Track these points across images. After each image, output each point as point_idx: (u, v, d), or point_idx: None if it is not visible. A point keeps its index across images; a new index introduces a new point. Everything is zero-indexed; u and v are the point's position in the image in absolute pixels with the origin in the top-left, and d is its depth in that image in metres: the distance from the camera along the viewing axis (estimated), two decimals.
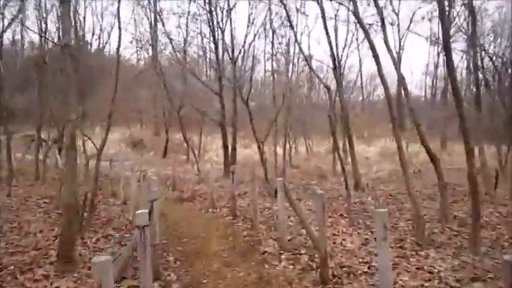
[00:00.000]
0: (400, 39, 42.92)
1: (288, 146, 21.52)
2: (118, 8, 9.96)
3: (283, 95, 14.19)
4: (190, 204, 12.23)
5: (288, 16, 11.30)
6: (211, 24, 16.97)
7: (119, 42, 10.11)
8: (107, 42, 51.69)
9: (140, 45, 27.84)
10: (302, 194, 13.22)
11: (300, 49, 10.30)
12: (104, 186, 14.62)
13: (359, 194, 13.22)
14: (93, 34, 51.96)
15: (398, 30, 42.45)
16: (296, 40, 12.42)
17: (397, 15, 38.69)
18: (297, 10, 16.06)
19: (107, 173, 17.48)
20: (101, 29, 51.57)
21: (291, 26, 11.16)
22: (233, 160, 17.66)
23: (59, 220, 9.23)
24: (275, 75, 19.35)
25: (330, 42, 12.48)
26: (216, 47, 16.48)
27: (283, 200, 7.33)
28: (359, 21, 9.19)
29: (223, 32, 17.08)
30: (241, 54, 16.21)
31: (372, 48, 8.15)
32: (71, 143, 6.72)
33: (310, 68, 9.89)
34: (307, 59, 10.41)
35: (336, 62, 19.08)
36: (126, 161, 23.02)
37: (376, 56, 8.06)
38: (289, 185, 14.85)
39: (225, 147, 17.05)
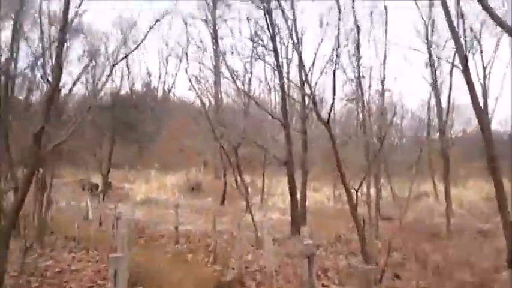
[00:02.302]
0: (484, 68, 36.12)
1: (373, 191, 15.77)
2: None
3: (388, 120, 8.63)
4: None
5: None
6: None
7: None
8: (172, 86, 49.28)
9: (200, 82, 23.70)
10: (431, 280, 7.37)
11: None
12: None
13: None
14: (159, 78, 49.87)
15: (482, 57, 35.73)
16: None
17: (479, 42, 32.28)
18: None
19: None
20: (166, 72, 49.41)
21: None
22: (303, 212, 12.12)
23: None
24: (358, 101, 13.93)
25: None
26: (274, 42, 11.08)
27: None
28: None
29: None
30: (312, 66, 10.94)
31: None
32: None
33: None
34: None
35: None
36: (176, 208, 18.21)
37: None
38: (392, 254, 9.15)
39: (292, 194, 11.63)
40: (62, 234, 11.95)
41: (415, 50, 14.17)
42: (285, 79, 11.51)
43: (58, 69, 5.33)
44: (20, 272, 6.59)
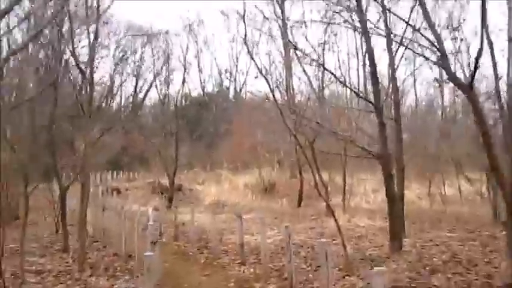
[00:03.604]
0: None
1: None
2: None
3: None
4: None
5: None
6: None
7: None
8: (243, 84, 47.48)
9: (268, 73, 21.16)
10: None
11: None
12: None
13: None
14: (230, 76, 48.38)
15: None
16: None
17: None
18: None
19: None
20: (236, 71, 47.77)
21: None
22: (401, 220, 9.07)
23: None
24: None
25: None
26: None
27: None
28: None
29: None
30: None
31: None
32: None
33: None
34: None
35: None
36: (246, 213, 16.05)
37: None
38: None
39: (392, 197, 8.66)
40: (114, 249, 10.08)
41: None
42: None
43: None
44: None
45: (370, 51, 8.58)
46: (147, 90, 46.27)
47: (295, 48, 8.25)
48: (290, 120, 10.81)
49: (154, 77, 42.07)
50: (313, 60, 8.54)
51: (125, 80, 46.11)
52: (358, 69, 27.29)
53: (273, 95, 9.55)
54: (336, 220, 8.41)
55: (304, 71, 15.01)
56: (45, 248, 10.62)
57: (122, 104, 48.68)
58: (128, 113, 47.29)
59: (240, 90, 47.69)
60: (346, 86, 10.10)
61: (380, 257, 8.34)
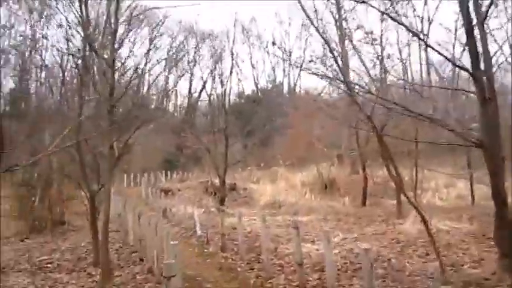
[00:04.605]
0: None
1: None
2: None
3: None
4: None
5: None
6: None
7: None
8: (297, 80, 45.38)
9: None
10: None
11: None
12: None
13: None
14: (284, 71, 46.49)
15: None
16: None
17: None
18: None
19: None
20: (290, 65, 45.70)
21: None
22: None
23: None
24: None
25: None
26: None
27: None
28: None
29: None
30: None
31: None
32: None
33: None
34: None
35: None
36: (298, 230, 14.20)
37: None
38: None
39: (501, 200, 6.26)
40: (150, 263, 8.51)
41: None
42: None
43: None
44: None
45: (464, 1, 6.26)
46: (201, 90, 45.49)
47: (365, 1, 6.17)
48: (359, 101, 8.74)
49: (206, 78, 40.95)
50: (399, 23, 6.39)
51: (180, 77, 45.60)
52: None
53: (340, 69, 7.40)
54: (427, 226, 6.25)
55: (359, 56, 12.99)
56: (77, 260, 9.29)
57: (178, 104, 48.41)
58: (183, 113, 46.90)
59: (295, 84, 45.73)
60: (434, 49, 7.50)
61: (488, 279, 6.06)
